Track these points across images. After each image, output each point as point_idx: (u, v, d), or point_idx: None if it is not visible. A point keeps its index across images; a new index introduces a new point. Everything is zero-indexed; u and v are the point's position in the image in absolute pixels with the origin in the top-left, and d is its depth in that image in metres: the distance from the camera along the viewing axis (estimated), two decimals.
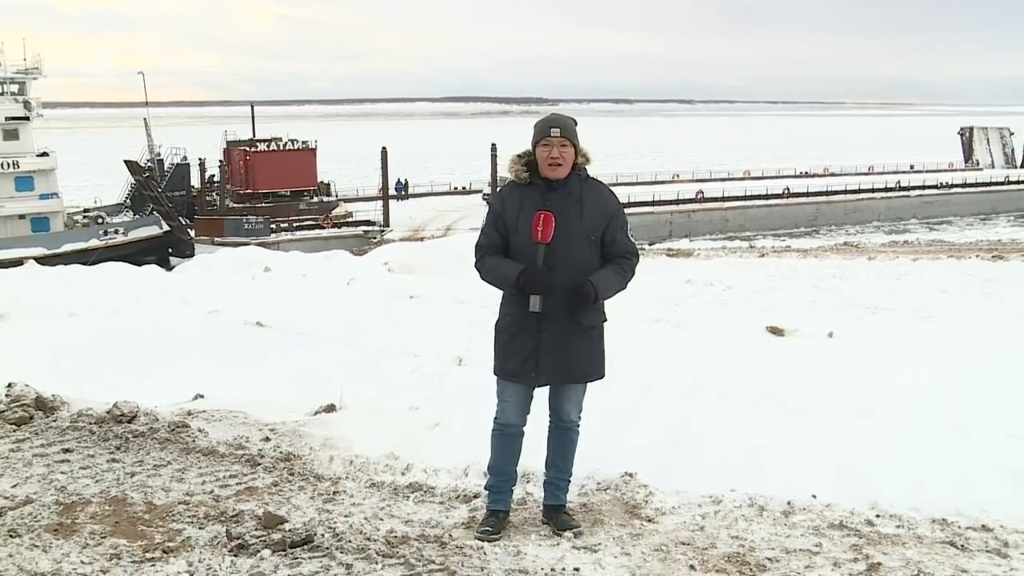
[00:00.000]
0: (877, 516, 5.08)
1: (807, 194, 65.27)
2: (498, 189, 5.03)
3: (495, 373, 5.01)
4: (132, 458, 6.22)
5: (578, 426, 5.10)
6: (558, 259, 4.71)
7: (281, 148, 56.23)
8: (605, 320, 4.97)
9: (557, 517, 5.02)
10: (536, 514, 5.18)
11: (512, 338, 4.85)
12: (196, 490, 5.62)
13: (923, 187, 69.17)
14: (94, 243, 45.95)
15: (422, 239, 38.97)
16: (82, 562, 4.58)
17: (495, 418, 5.06)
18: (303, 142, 57.05)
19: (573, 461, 5.12)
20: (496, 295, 4.99)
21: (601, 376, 5.01)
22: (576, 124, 4.89)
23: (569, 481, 5.15)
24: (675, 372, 8.74)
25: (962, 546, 4.71)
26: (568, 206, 4.76)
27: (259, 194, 54.15)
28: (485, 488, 5.14)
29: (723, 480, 5.55)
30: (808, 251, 26.84)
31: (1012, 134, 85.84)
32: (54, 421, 6.99)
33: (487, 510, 5.05)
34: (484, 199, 55.52)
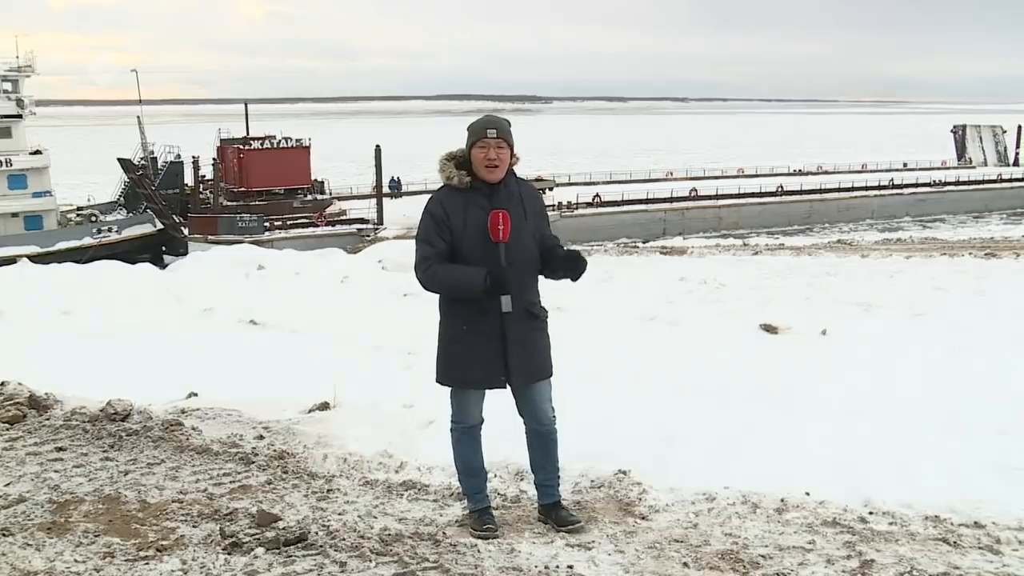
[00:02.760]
0: (870, 513, 5.10)
1: (801, 192, 65.40)
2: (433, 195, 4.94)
3: (448, 383, 4.95)
4: (126, 456, 6.21)
5: (555, 423, 5.07)
6: (515, 257, 4.73)
7: (275, 146, 56.12)
8: (547, 313, 5.00)
9: (556, 514, 5.01)
10: (530, 511, 5.19)
11: (472, 345, 4.79)
12: (190, 488, 5.62)
13: (916, 185, 69.34)
14: (88, 241, 45.81)
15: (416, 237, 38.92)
16: (75, 560, 4.58)
17: (456, 422, 5.02)
18: (297, 140, 56.95)
19: (558, 457, 5.11)
20: None
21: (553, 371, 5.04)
22: (510, 125, 4.87)
23: (559, 477, 5.14)
24: (668, 369, 8.76)
25: (955, 543, 4.72)
26: (513, 205, 4.77)
27: (253, 192, 54.04)
28: (466, 493, 5.10)
29: (716, 477, 5.55)
30: (802, 249, 26.93)
31: (1005, 132, 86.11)
32: (47, 419, 6.98)
33: (476, 511, 5.02)
34: None
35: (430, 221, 4.76)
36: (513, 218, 4.71)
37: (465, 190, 4.74)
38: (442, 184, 4.83)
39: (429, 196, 4.88)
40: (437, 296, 4.89)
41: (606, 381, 8.10)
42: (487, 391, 4.98)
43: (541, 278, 4.93)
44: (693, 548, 4.69)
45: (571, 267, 4.81)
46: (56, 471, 5.90)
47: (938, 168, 79.54)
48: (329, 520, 5.06)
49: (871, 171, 75.57)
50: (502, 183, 4.77)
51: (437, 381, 4.99)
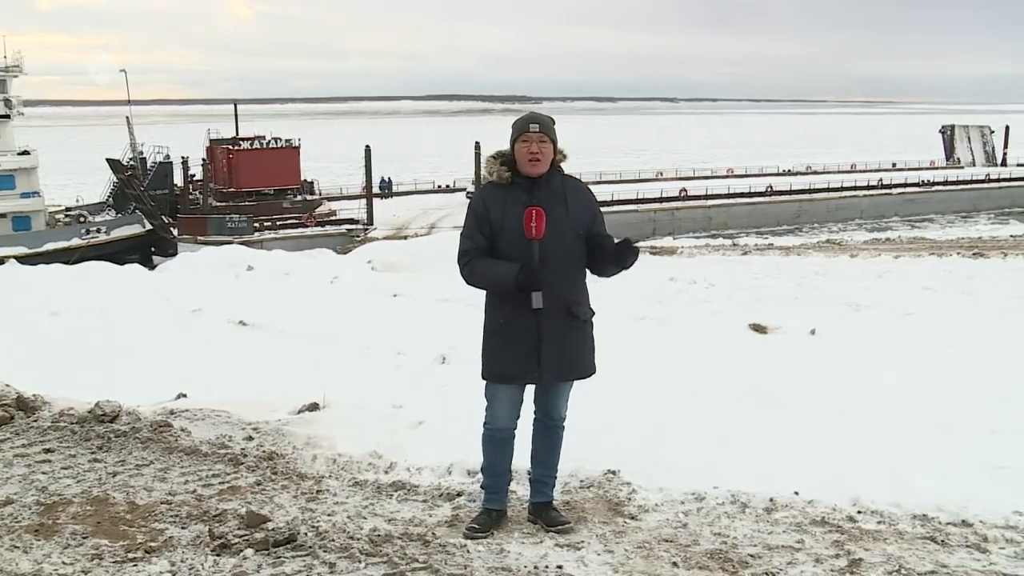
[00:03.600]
0: (859, 512, 5.11)
1: (790, 192, 65.64)
2: (474, 191, 5.02)
3: (487, 378, 4.94)
4: (114, 458, 6.19)
5: (564, 421, 5.10)
6: (550, 254, 4.70)
7: (264, 146, 56.05)
8: (594, 314, 4.98)
9: (546, 514, 5.02)
10: (519, 512, 5.18)
11: (508, 340, 4.80)
12: (178, 489, 5.60)
13: (905, 185, 69.66)
14: (76, 242, 45.64)
15: (406, 237, 38.98)
16: (63, 563, 4.56)
17: (486, 423, 5.01)
18: (286, 140, 56.87)
19: (559, 458, 5.13)
20: (480, 293, 4.98)
21: (594, 371, 5.03)
22: (554, 123, 4.87)
23: (555, 478, 5.16)
24: (658, 369, 8.77)
25: (942, 541, 4.74)
26: (555, 202, 4.75)
27: (242, 192, 53.94)
28: (481, 487, 5.12)
29: (706, 477, 5.56)
30: (791, 249, 27.00)
31: (992, 132, 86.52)
32: (35, 421, 6.95)
33: (482, 508, 5.04)
34: (468, 197, 55.55)
35: (471, 216, 4.85)
36: (552, 215, 4.70)
37: (506, 186, 4.78)
38: (487, 180, 4.90)
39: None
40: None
41: (595, 381, 8.07)
42: (522, 399, 4.98)
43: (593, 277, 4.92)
44: (682, 548, 4.70)
45: (619, 259, 4.75)
46: (44, 473, 5.87)
47: (927, 168, 79.91)
48: (318, 521, 5.05)
49: (860, 171, 75.90)
50: (544, 179, 4.77)
51: (482, 375, 5.00)
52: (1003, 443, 6.21)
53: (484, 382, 4.99)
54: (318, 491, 5.59)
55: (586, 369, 4.99)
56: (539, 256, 4.66)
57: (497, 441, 5.01)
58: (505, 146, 4.88)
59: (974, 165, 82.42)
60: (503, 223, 4.73)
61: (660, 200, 59.68)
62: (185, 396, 7.87)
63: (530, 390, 5.02)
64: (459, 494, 5.44)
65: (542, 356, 4.80)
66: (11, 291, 14.80)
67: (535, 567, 4.48)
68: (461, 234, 4.88)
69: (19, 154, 47.60)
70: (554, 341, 4.79)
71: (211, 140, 57.18)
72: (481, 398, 5.03)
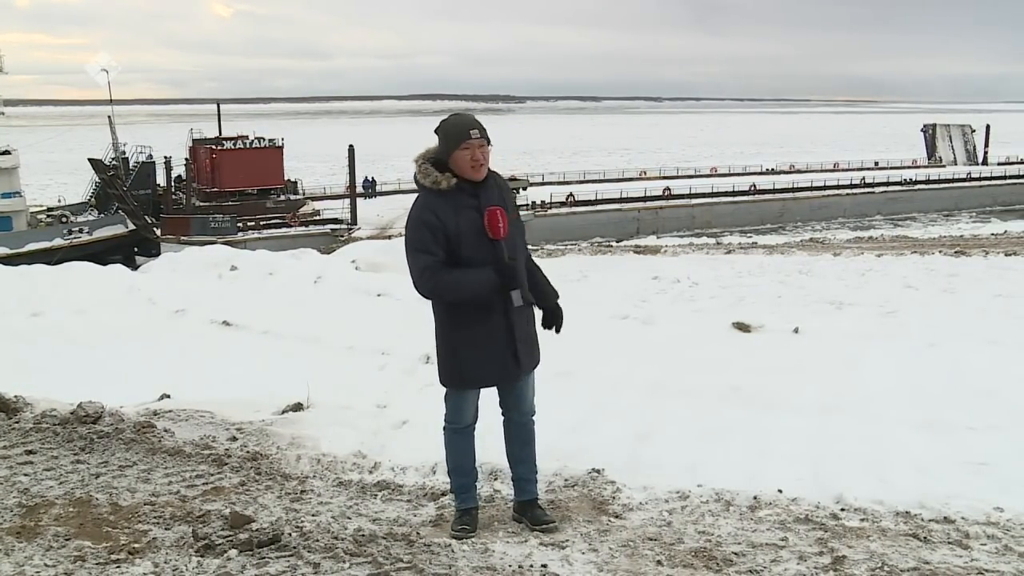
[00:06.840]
0: (842, 510, 5.13)
1: (773, 191, 65.83)
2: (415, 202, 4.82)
3: (463, 387, 4.88)
4: (97, 459, 6.16)
5: (535, 414, 5.08)
6: (511, 251, 4.71)
7: (247, 146, 55.86)
8: None
9: (531, 512, 5.01)
10: (504, 511, 5.19)
11: (483, 345, 4.76)
12: (162, 491, 5.58)
13: (887, 184, 69.98)
14: (58, 242, 45.38)
15: (390, 237, 38.85)
16: (46, 565, 4.53)
17: (450, 422, 4.97)
18: (269, 140, 56.72)
19: (535, 452, 5.11)
20: None
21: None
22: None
23: (536, 472, 5.14)
24: (642, 368, 8.78)
25: (925, 538, 4.77)
26: (498, 200, 4.73)
27: (225, 192, 53.76)
28: (452, 491, 5.10)
29: (690, 475, 5.58)
30: (774, 247, 27.06)
31: (974, 131, 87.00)
32: (17, 422, 6.91)
33: (458, 510, 5.02)
34: None
35: (424, 230, 4.63)
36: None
37: (450, 192, 4.64)
38: (422, 188, 4.71)
39: (413, 203, 4.73)
40: (430, 302, 4.84)
41: (579, 380, 8.11)
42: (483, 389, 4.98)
43: None
44: (667, 546, 4.71)
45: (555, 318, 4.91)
46: (26, 474, 5.84)
47: (909, 167, 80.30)
48: (303, 521, 5.04)
49: (843, 170, 76.23)
50: (484, 180, 4.73)
51: (444, 383, 4.93)
52: (984, 440, 6.25)
53: (449, 387, 4.94)
54: (302, 491, 5.58)
55: (539, 355, 5.01)
56: (508, 255, 4.68)
57: (464, 436, 4.99)
58: (427, 147, 4.79)
59: (955, 164, 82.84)
60: (459, 231, 4.62)
61: (644, 199, 59.73)
62: (168, 397, 7.85)
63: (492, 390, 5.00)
64: (443, 494, 5.43)
65: (519, 353, 4.80)
66: None
67: (520, 566, 4.48)
68: (412, 249, 4.66)
69: (0, 154, 47.30)
70: (523, 335, 4.82)
71: (194, 140, 56.96)
72: None
